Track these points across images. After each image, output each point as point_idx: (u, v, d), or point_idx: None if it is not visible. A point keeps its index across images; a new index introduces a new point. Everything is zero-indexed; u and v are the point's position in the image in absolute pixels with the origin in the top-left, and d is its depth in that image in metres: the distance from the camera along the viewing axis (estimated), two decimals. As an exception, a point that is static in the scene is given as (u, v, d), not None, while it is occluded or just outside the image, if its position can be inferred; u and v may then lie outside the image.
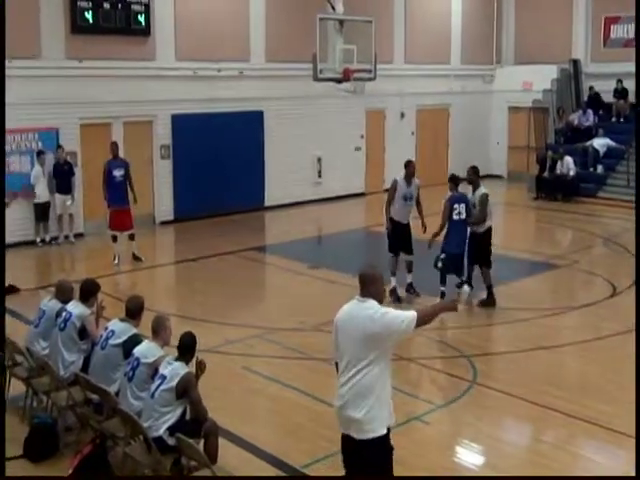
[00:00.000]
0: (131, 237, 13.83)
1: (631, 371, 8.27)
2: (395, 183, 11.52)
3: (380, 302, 5.12)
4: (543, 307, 11.14)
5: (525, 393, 8.00)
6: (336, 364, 5.39)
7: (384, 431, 5.17)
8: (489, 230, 11.25)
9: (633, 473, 6.16)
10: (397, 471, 6.44)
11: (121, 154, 16.50)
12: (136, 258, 13.81)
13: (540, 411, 7.70)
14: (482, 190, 11.10)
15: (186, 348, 6.03)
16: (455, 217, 11.11)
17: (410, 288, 11.61)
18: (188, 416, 5.94)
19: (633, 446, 6.66)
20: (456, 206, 11.12)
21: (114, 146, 14.01)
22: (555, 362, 9.29)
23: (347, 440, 5.19)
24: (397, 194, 11.43)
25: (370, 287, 5.13)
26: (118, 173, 13.61)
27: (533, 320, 10.61)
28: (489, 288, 11.09)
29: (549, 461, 6.67)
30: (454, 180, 11.38)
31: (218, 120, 17.73)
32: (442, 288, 11.02)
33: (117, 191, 13.66)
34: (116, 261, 13.61)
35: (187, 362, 5.99)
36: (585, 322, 10.90)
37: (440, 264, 11.01)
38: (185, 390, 5.83)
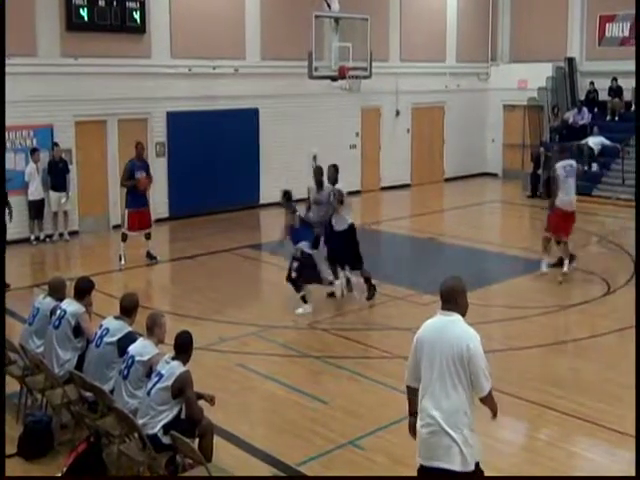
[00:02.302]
0: (148, 236, 13.61)
1: (627, 369, 8.30)
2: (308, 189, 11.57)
3: (464, 315, 4.87)
4: (538, 305, 11.15)
5: (520, 391, 8.00)
6: (408, 389, 5.08)
7: (478, 460, 4.79)
8: (352, 228, 11.27)
9: (630, 472, 6.18)
10: (398, 471, 6.47)
11: (115, 152, 16.56)
12: (150, 257, 13.63)
13: (536, 409, 7.72)
14: (337, 186, 11.07)
15: (183, 347, 6.01)
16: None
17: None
18: (184, 415, 5.93)
19: (630, 444, 6.69)
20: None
21: (140, 147, 13.51)
22: (550, 360, 9.30)
23: (433, 474, 4.71)
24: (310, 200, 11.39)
25: (458, 300, 4.87)
26: (140, 175, 13.15)
27: (528, 318, 10.62)
28: (367, 281, 11.20)
29: (545, 459, 6.68)
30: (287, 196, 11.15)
31: (213, 118, 17.72)
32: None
33: (138, 193, 13.29)
34: (122, 262, 13.32)
35: (184, 361, 5.98)
36: (580, 320, 10.92)
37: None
38: (181, 390, 5.82)
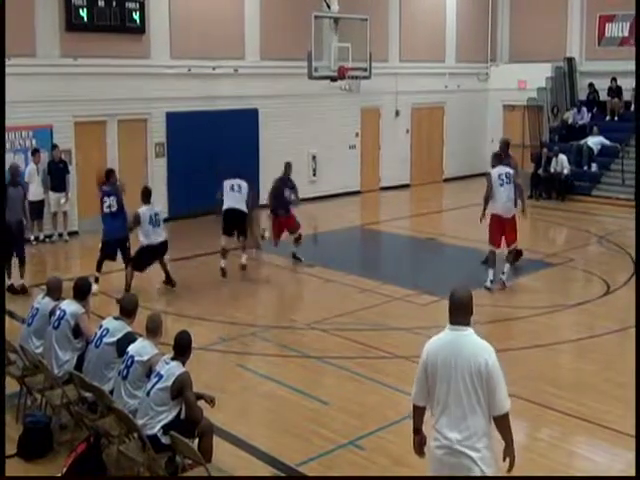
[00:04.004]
0: (297, 239, 13.76)
1: (626, 369, 8.30)
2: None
3: (470, 324, 4.66)
4: (538, 305, 11.15)
5: (520, 391, 7.99)
6: (415, 407, 4.82)
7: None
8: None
9: (630, 471, 6.18)
10: (398, 471, 6.47)
11: (115, 152, 16.55)
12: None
13: (536, 409, 7.71)
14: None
15: (182, 348, 6.00)
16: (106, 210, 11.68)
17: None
18: (183, 415, 5.93)
19: (629, 444, 6.69)
20: (106, 199, 11.68)
21: (288, 167, 13.96)
22: (550, 360, 9.30)
23: None
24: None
25: (469, 311, 4.63)
26: (287, 193, 13.57)
27: (528, 318, 10.62)
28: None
29: (545, 459, 6.67)
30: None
31: (213, 118, 17.71)
32: None
33: (284, 202, 13.61)
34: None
35: (183, 362, 5.97)
36: (580, 320, 10.92)
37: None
38: (180, 390, 5.81)
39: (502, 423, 4.55)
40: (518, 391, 8.01)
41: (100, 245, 11.87)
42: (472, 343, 4.57)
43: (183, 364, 5.95)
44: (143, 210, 11.35)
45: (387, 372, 8.67)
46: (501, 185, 11.73)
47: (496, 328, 10.48)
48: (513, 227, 11.92)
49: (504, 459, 4.64)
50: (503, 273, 11.90)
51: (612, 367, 8.86)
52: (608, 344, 9.69)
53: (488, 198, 11.83)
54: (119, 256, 11.78)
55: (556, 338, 9.95)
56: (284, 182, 13.71)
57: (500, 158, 12.21)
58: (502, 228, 11.82)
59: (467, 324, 4.63)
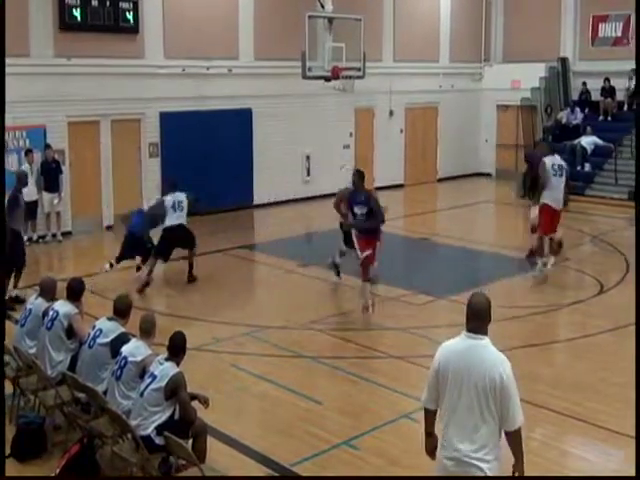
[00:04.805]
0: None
1: (621, 368, 8.33)
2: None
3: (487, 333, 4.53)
4: (532, 305, 11.17)
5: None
6: (426, 410, 4.76)
7: None
8: None
9: (624, 471, 6.19)
10: (393, 471, 6.46)
11: (108, 152, 16.50)
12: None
13: (530, 408, 7.65)
14: None
15: (176, 348, 5.99)
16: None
17: None
18: (177, 416, 5.91)
19: (624, 443, 6.70)
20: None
21: (358, 175, 10.76)
22: (545, 360, 9.32)
23: None
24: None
25: (487, 319, 4.51)
26: (359, 211, 10.62)
27: (523, 318, 10.63)
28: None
29: (539, 459, 6.66)
30: None
31: (207, 118, 17.68)
32: None
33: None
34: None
35: (177, 362, 5.96)
36: (574, 320, 10.94)
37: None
38: (174, 391, 5.80)
39: (514, 438, 4.45)
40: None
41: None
42: (488, 354, 4.45)
43: (177, 364, 5.94)
44: (168, 198, 12.31)
45: (382, 372, 8.67)
46: (554, 175, 11.86)
47: (490, 327, 10.49)
48: (558, 219, 12.13)
49: (513, 473, 4.55)
50: (546, 265, 12.18)
51: (607, 366, 8.87)
52: (602, 343, 9.70)
53: (544, 186, 11.89)
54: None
55: (550, 337, 9.98)
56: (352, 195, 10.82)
57: (551, 148, 12.51)
58: (553, 218, 12.02)
59: (484, 332, 4.50)
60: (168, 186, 12.78)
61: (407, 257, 15.60)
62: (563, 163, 12.15)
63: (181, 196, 12.34)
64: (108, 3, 15.97)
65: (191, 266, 12.54)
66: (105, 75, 16.06)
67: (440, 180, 23.92)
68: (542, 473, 6.45)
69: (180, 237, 12.32)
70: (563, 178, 11.90)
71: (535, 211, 12.42)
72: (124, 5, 16.26)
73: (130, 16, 16.40)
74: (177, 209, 12.21)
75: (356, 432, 7.18)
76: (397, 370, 8.85)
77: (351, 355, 9.25)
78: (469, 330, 4.52)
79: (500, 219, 19.90)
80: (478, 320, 4.50)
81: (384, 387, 8.24)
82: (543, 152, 12.22)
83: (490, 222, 19.63)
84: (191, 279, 12.50)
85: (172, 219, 12.20)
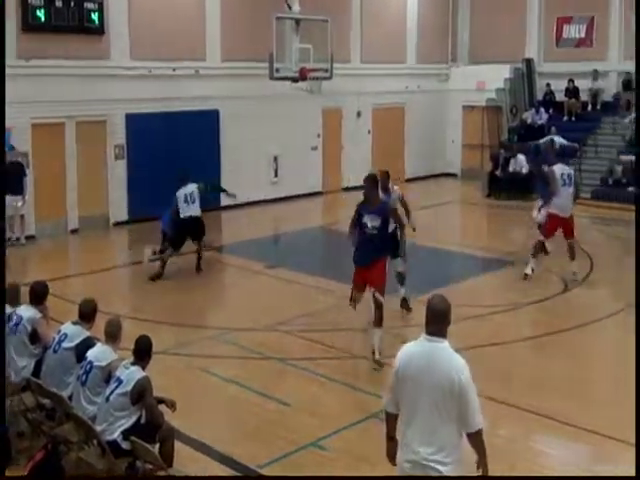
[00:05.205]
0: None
1: (585, 366, 8.46)
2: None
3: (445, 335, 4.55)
4: (495, 304, 11.27)
5: (478, 389, 8.08)
6: (388, 414, 4.75)
7: None
8: None
9: (593, 468, 6.29)
10: (361, 470, 6.49)
11: (73, 155, 16.29)
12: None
13: (495, 406, 7.75)
14: None
15: (142, 352, 5.97)
16: None
17: None
18: (143, 420, 5.89)
19: (589, 440, 6.81)
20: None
21: (379, 177, 10.17)
22: (509, 358, 9.39)
23: None
24: None
25: (447, 321, 4.51)
26: (371, 224, 9.08)
27: (486, 316, 10.73)
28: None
29: (506, 454, 6.70)
30: None
31: (173, 119, 17.57)
32: None
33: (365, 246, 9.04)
34: None
35: (143, 366, 5.93)
36: (537, 318, 11.07)
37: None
38: (140, 395, 5.78)
39: (475, 440, 4.49)
40: (479, 389, 8.11)
41: None
42: (447, 357, 4.48)
43: (143, 369, 5.91)
44: (179, 192, 12.83)
45: (348, 373, 8.71)
46: (563, 185, 12.16)
47: (455, 326, 10.53)
48: (571, 225, 12.40)
49: (477, 467, 4.59)
50: (574, 273, 12.38)
51: (570, 365, 8.98)
52: (566, 341, 9.82)
53: (554, 193, 12.17)
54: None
55: (515, 336, 10.07)
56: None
57: (555, 152, 12.93)
58: (558, 226, 12.31)
59: (443, 335, 4.52)
60: (179, 180, 13.05)
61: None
62: (571, 172, 12.51)
63: (192, 187, 12.84)
64: (73, 3, 15.78)
65: (199, 258, 13.06)
66: (70, 76, 15.87)
67: (408, 180, 24.03)
68: (508, 469, 6.52)
69: (193, 229, 12.86)
70: (571, 189, 12.27)
71: (538, 212, 12.97)
72: (89, 5, 16.09)
73: (95, 17, 16.23)
74: (189, 201, 12.73)
75: (324, 433, 7.20)
76: (365, 371, 8.88)
77: (319, 356, 9.27)
78: (428, 333, 4.53)
79: (465, 219, 20.09)
80: (438, 323, 4.51)
81: (351, 387, 8.28)
82: (550, 161, 12.68)
83: (456, 222, 19.79)
84: (199, 270, 13.05)
85: (185, 211, 12.71)
